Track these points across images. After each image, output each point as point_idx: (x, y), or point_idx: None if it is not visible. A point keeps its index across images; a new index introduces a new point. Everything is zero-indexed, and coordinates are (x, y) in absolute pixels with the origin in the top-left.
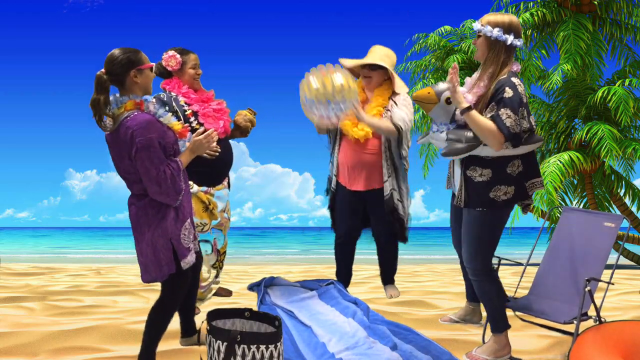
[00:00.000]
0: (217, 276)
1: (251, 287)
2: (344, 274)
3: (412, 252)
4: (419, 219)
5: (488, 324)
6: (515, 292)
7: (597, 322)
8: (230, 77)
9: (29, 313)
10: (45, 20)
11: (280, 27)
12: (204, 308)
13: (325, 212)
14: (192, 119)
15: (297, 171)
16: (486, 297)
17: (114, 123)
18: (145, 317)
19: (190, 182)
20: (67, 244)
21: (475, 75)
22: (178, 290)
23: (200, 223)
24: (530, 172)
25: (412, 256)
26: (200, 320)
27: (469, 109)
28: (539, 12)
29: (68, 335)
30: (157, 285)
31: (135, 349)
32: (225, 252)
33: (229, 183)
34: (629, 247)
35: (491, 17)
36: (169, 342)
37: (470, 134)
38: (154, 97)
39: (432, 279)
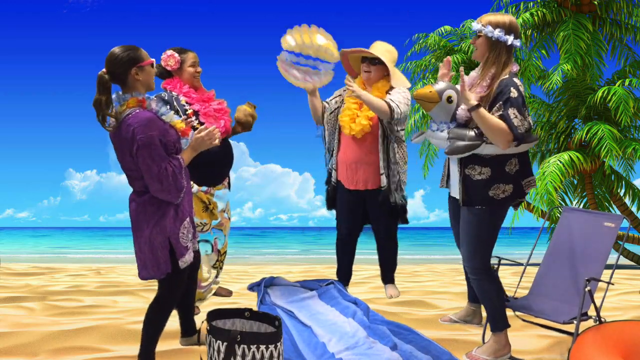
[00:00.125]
0: (217, 276)
1: (251, 287)
2: (344, 273)
3: (412, 252)
4: (419, 219)
5: (488, 324)
6: (515, 292)
7: (597, 322)
8: (230, 77)
9: (29, 313)
10: (45, 20)
11: (280, 27)
12: (204, 308)
13: (325, 213)
14: (193, 118)
15: (297, 171)
16: (486, 296)
17: (116, 121)
18: None
19: (191, 182)
20: (67, 244)
21: (473, 74)
22: (175, 289)
23: (200, 223)
24: (525, 171)
25: (412, 256)
26: (200, 320)
27: (478, 106)
28: (539, 12)
29: (68, 335)
30: (157, 285)
31: (135, 349)
32: (225, 252)
33: (229, 183)
34: (629, 247)
35: (491, 17)
36: (169, 342)
37: (471, 133)
38: (155, 97)
39: (432, 279)
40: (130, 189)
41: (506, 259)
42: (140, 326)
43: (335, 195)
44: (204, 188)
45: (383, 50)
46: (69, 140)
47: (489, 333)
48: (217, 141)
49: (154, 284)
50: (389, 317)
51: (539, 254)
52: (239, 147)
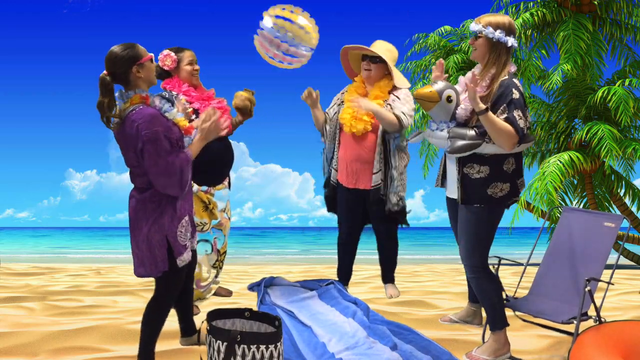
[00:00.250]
0: (216, 276)
1: (251, 287)
2: (345, 273)
3: (412, 252)
4: (419, 219)
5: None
6: (515, 292)
7: (597, 322)
8: (230, 77)
9: (29, 313)
10: (45, 20)
11: None
12: (204, 308)
13: (325, 213)
14: (193, 116)
15: (297, 171)
16: (485, 295)
17: (120, 118)
18: None
19: (191, 182)
20: (67, 244)
21: (470, 75)
22: (172, 287)
23: (200, 222)
24: (520, 170)
25: (412, 256)
26: (200, 320)
27: (486, 110)
28: (539, 12)
29: (68, 335)
30: (155, 284)
31: (135, 349)
32: (225, 252)
33: (229, 183)
34: (629, 247)
35: (491, 18)
36: (169, 342)
37: (472, 132)
38: (158, 95)
39: (432, 279)
40: (131, 187)
41: (506, 259)
42: (140, 326)
43: (335, 195)
44: (204, 188)
45: (384, 49)
46: (69, 140)
47: (488, 333)
48: (225, 124)
49: (153, 284)
50: (389, 317)
51: (539, 254)
52: (239, 147)
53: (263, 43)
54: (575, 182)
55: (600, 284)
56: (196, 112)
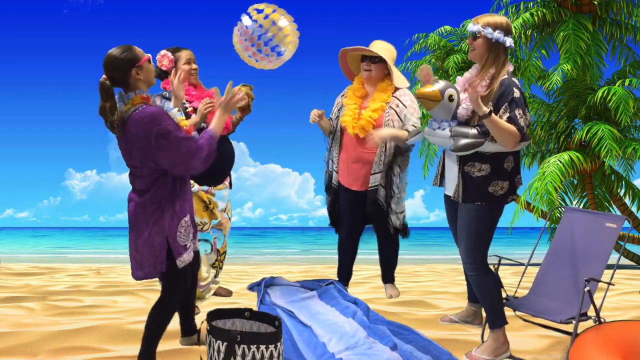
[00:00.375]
0: (216, 276)
1: (251, 287)
2: (345, 272)
3: (412, 252)
4: (419, 219)
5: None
6: (516, 292)
7: (597, 322)
8: (230, 77)
9: (29, 313)
10: (45, 20)
11: None
12: (204, 308)
13: (325, 212)
14: (193, 115)
15: (297, 171)
16: (484, 292)
17: (122, 120)
18: (145, 317)
19: (191, 181)
20: (67, 244)
21: (468, 75)
22: (178, 289)
23: (200, 222)
24: (518, 168)
25: (412, 256)
26: (200, 320)
27: (490, 113)
28: (539, 12)
29: (68, 335)
30: (158, 285)
31: (135, 349)
32: (225, 252)
33: (230, 182)
34: (630, 247)
35: (489, 18)
36: (169, 342)
37: (474, 131)
38: (158, 95)
39: (432, 279)
40: (129, 188)
41: (507, 259)
42: (140, 326)
43: (337, 199)
44: (205, 187)
45: (383, 49)
46: (69, 140)
47: (488, 332)
48: (241, 95)
49: (154, 284)
50: (389, 317)
51: (540, 254)
52: (239, 147)
53: (242, 40)
54: (575, 182)
55: (600, 283)
56: (196, 110)
